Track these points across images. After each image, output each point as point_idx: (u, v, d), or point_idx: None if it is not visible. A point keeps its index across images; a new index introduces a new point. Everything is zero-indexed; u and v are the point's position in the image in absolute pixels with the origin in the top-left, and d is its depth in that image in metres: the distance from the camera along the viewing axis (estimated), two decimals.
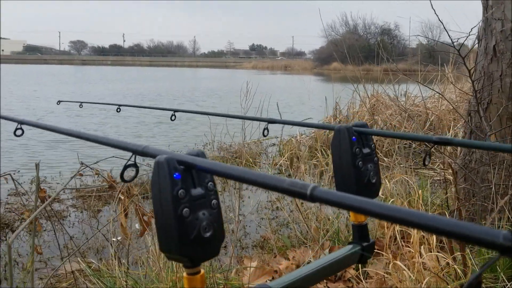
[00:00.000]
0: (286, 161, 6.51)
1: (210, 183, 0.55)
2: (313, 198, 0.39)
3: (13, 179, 1.85)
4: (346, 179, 0.72)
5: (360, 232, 0.73)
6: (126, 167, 0.61)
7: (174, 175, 0.51)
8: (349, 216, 3.20)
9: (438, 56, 8.53)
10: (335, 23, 60.74)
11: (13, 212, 4.86)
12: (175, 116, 1.49)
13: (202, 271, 0.56)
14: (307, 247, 3.24)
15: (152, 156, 0.57)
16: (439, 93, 4.79)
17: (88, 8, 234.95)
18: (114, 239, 2.61)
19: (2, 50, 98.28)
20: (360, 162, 0.72)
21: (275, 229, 4.27)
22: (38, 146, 7.93)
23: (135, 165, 0.61)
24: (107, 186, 5.40)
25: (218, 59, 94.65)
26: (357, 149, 0.72)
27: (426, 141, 0.73)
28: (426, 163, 0.71)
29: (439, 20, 2.49)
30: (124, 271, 2.43)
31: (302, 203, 4.85)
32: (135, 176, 0.62)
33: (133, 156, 0.61)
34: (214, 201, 0.56)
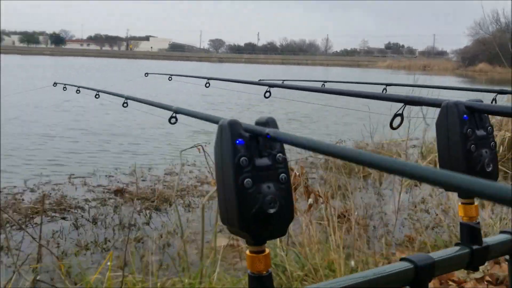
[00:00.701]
0: (429, 163, 6.25)
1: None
2: None
3: (204, 150, 2.10)
4: None
5: None
6: (395, 115, 0.69)
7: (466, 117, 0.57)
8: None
9: None
10: (484, 21, 55.72)
11: (170, 188, 5.42)
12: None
13: (267, 250, 0.53)
14: None
15: (428, 104, 0.65)
16: None
17: (228, 8, 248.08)
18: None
19: (151, 48, 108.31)
20: None
21: (420, 230, 4.16)
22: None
23: (401, 115, 0.70)
24: None
25: (350, 57, 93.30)
26: None
27: None
28: None
29: None
30: (284, 247, 2.59)
31: (449, 206, 4.64)
32: (400, 125, 0.70)
33: (404, 106, 0.69)
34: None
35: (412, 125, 6.43)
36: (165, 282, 2.08)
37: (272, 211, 0.50)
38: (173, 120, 0.76)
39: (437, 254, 0.64)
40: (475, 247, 0.66)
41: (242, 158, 0.49)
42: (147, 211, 4.74)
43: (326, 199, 2.22)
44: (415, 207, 4.95)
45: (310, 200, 2.06)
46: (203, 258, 2.07)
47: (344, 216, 3.73)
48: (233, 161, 0.49)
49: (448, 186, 0.31)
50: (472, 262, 0.67)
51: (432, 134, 7.04)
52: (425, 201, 5.08)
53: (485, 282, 2.62)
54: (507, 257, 0.71)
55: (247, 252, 0.53)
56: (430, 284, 2.30)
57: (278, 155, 0.51)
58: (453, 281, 2.61)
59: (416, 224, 4.42)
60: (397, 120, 0.71)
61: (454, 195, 4.52)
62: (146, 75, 2.34)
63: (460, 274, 2.68)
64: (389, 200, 5.04)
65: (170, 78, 2.03)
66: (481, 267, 2.32)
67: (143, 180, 5.75)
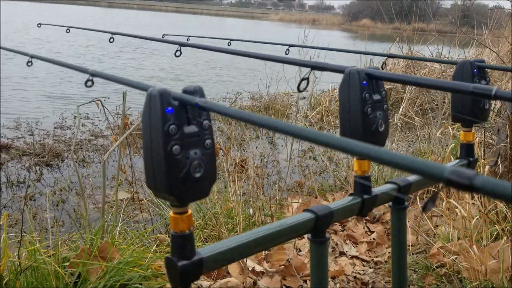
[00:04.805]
0: (317, 114, 6.69)
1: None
2: None
3: (103, 105, 2.04)
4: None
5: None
6: (302, 79, 0.77)
7: None
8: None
9: (473, 18, 8.35)
10: None
11: (62, 143, 5.16)
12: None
13: (190, 211, 0.57)
14: (346, 192, 3.45)
15: (332, 70, 0.73)
16: (488, 48, 4.78)
17: None
18: None
19: None
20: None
21: (309, 176, 4.51)
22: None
23: (307, 79, 0.78)
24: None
25: (245, 9, 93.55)
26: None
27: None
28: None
29: None
30: None
31: (334, 154, 5.05)
32: (306, 88, 0.78)
33: (310, 71, 0.77)
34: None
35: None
36: (66, 240, 2.04)
37: (198, 175, 0.53)
38: (89, 83, 0.74)
39: (334, 205, 0.73)
40: (365, 196, 0.76)
41: (172, 126, 0.51)
42: (37, 167, 4.49)
43: (227, 151, 2.30)
44: (304, 155, 5.32)
45: None
46: (104, 215, 2.06)
47: (242, 166, 3.90)
48: (162, 128, 0.51)
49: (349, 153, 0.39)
50: (362, 209, 0.77)
51: (320, 86, 7.50)
52: (313, 149, 5.47)
53: (364, 221, 2.96)
54: (391, 203, 0.84)
55: (171, 213, 0.56)
56: None
57: (204, 122, 0.54)
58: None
59: (305, 170, 4.78)
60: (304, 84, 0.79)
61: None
62: (39, 25, 2.10)
63: None
64: (282, 149, 5.33)
65: (68, 31, 1.87)
66: None
67: (30, 135, 5.37)
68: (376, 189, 0.78)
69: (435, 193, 0.33)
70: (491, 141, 3.55)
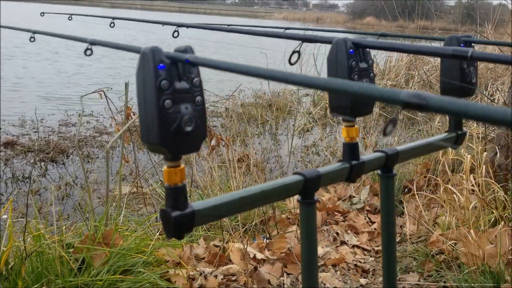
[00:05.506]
0: (320, 110, 6.71)
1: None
2: None
3: (106, 96, 2.08)
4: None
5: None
6: (294, 52, 0.80)
7: None
8: None
9: (477, 16, 8.36)
10: None
11: (67, 140, 5.21)
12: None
13: (182, 165, 0.59)
14: (348, 185, 3.47)
15: (321, 41, 0.76)
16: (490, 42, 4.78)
17: None
18: None
19: None
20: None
21: None
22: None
23: (299, 52, 0.81)
24: None
25: (248, 8, 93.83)
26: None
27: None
28: None
29: None
30: (188, 188, 2.70)
31: (336, 148, 5.05)
32: (297, 61, 0.81)
33: (301, 43, 0.80)
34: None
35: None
36: (70, 227, 2.08)
37: (189, 129, 0.57)
38: (88, 52, 0.77)
39: (323, 169, 0.76)
40: (354, 162, 0.78)
41: (163, 81, 0.55)
42: (43, 163, 4.54)
43: (228, 142, 2.34)
44: (307, 150, 5.34)
45: (213, 142, 2.16)
46: (108, 202, 2.10)
47: (243, 161, 3.93)
48: (155, 84, 0.54)
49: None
50: (350, 175, 0.80)
51: None
52: (316, 144, 5.49)
53: (365, 211, 2.98)
54: (380, 171, 0.86)
55: (165, 168, 0.59)
56: (319, 215, 2.60)
57: (195, 79, 0.57)
58: (338, 211, 2.93)
59: (308, 165, 4.80)
60: (295, 57, 0.82)
61: (341, 138, 4.98)
62: (42, 14, 2.16)
63: (344, 205, 3.02)
64: (284, 145, 5.36)
65: (70, 18, 1.92)
66: (362, 198, 2.62)
67: (35, 132, 5.43)
68: (364, 157, 0.81)
69: (395, 115, 0.36)
70: (493, 135, 3.58)
